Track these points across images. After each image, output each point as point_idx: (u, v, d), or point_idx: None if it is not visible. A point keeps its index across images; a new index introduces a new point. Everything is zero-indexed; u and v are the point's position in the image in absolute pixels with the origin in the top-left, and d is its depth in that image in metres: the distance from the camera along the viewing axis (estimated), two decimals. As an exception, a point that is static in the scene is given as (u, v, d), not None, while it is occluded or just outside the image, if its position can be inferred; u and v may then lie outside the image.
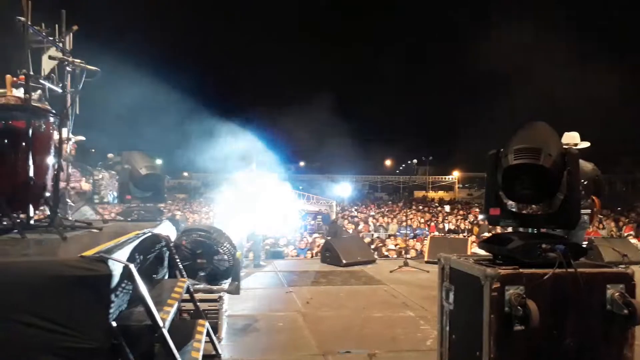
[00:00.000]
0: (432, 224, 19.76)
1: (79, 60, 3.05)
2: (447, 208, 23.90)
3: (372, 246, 12.75)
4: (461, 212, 24.22)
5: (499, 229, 2.77)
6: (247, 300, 5.69)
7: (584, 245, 7.82)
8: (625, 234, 16.77)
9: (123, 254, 2.21)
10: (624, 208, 27.25)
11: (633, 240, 13.91)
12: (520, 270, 2.24)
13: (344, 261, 8.79)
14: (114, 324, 1.97)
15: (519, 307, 2.13)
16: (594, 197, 5.97)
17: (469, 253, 8.82)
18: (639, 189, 43.28)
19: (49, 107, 3.10)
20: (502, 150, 2.46)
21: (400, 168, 60.68)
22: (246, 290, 6.09)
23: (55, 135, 3.08)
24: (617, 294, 2.28)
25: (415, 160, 29.90)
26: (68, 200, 3.36)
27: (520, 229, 2.56)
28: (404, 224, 13.10)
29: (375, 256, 10.37)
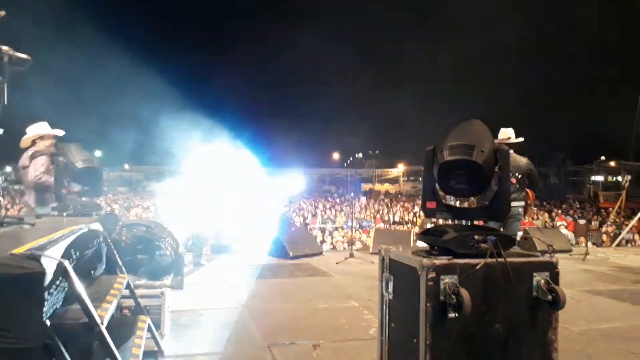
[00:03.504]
0: (378, 215, 20.17)
1: (6, 48, 2.87)
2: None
3: (320, 239, 12.86)
4: (406, 204, 24.90)
5: (441, 222, 2.87)
6: (191, 296, 5.60)
7: (520, 236, 8.25)
8: (558, 224, 17.82)
9: (57, 250, 2.13)
10: (556, 200, 28.87)
11: (564, 231, 14.80)
12: (455, 260, 2.34)
13: (291, 254, 8.83)
14: (48, 322, 1.91)
15: (452, 296, 2.24)
16: (528, 190, 6.30)
17: (412, 243, 9.09)
18: (569, 181, 46.01)
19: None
20: (438, 146, 2.56)
21: (348, 161, 61.45)
22: (191, 285, 6.01)
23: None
24: (543, 281, 2.44)
25: (360, 154, 30.45)
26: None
27: (456, 221, 2.68)
28: (351, 215, 13.37)
29: (323, 248, 10.47)
